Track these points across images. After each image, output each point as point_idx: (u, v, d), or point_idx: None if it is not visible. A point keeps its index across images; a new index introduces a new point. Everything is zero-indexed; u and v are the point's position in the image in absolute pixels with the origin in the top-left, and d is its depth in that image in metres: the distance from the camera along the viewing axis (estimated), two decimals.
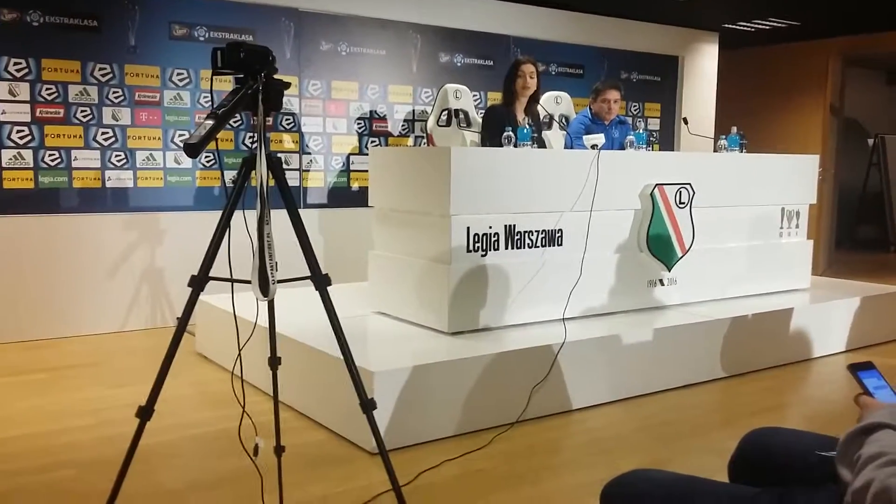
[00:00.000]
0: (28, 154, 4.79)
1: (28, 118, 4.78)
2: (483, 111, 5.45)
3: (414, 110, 6.25)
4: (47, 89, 4.82)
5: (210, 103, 5.02)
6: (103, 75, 4.99)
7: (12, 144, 4.75)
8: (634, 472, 1.55)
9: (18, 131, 4.76)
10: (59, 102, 4.86)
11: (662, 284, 4.42)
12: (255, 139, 2.14)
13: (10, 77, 4.71)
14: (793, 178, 5.04)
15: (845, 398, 3.94)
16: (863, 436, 1.18)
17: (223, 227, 2.13)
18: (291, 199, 2.21)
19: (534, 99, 4.86)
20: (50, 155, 4.86)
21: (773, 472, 1.58)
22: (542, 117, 5.31)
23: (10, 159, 4.75)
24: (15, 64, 4.72)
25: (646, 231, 4.27)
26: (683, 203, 4.38)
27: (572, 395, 3.62)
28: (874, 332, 5.04)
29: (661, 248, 4.33)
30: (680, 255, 4.41)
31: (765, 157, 4.97)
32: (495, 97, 6.01)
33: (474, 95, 5.87)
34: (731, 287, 4.75)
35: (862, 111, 10.15)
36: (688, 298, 4.53)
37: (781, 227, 5.03)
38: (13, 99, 4.73)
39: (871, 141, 10.51)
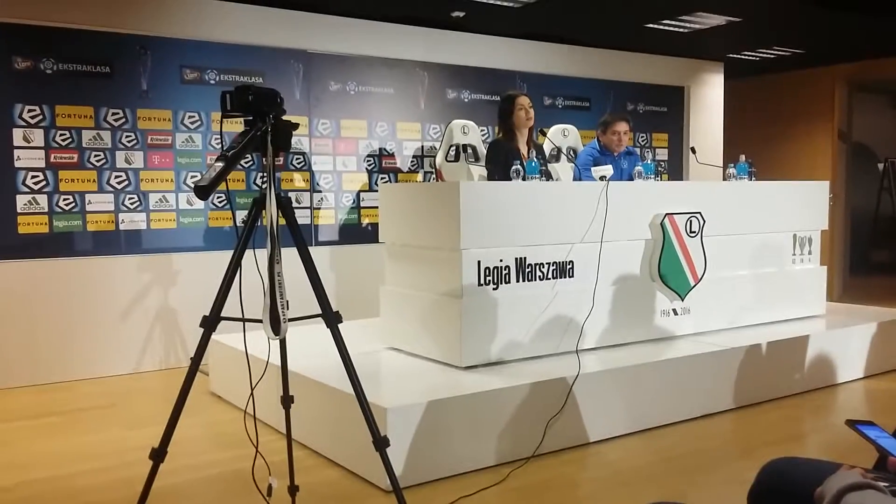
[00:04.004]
0: (43, 199, 4.86)
1: (42, 164, 4.85)
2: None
3: (422, 146, 6.30)
4: (61, 135, 4.89)
5: (221, 145, 5.09)
6: (116, 120, 5.07)
7: (27, 190, 4.81)
8: None
9: (33, 177, 4.82)
10: (73, 147, 4.93)
11: (676, 314, 4.40)
12: (266, 179, 2.17)
13: (24, 124, 4.79)
14: (804, 205, 5.03)
15: None
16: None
17: (234, 267, 2.14)
18: (301, 238, 2.23)
19: (531, 128, 4.86)
20: (64, 199, 4.92)
21: (792, 503, 1.55)
22: (550, 150, 5.33)
23: (25, 204, 4.81)
24: (29, 111, 4.80)
25: (657, 261, 4.26)
26: (694, 232, 4.38)
27: (588, 427, 3.59)
28: (892, 358, 4.98)
29: (672, 277, 4.32)
30: (692, 284, 4.39)
31: (774, 184, 4.97)
32: None
33: (482, 130, 5.92)
34: (744, 315, 4.71)
35: (870, 136, 10.13)
36: (701, 328, 4.50)
37: (794, 254, 5.01)
38: (28, 145, 4.81)
39: (881, 165, 10.48)
